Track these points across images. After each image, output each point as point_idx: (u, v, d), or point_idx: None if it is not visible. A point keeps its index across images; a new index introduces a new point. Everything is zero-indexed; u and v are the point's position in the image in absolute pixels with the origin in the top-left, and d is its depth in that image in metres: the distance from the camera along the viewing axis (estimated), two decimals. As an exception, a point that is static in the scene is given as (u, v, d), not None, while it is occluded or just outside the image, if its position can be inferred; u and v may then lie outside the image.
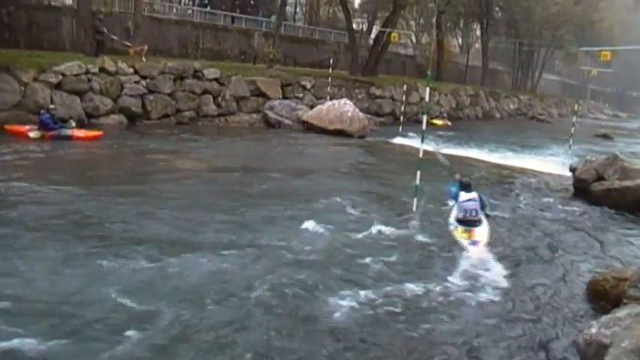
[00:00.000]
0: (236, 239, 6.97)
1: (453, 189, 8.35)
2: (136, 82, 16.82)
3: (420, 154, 8.96)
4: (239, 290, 5.51)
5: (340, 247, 7.06)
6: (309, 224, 7.73)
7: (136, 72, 16.99)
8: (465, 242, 7.36)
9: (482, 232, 7.65)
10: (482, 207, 8.07)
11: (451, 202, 8.39)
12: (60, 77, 14.93)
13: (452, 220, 8.00)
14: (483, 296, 5.92)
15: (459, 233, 7.64)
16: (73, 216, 7.36)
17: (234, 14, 30.97)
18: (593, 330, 4.47)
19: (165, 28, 25.34)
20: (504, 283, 6.30)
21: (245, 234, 7.19)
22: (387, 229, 7.83)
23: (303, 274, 6.00)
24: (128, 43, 20.03)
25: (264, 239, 7.07)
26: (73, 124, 13.60)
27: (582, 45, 34.86)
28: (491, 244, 7.35)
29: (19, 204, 7.63)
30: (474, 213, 7.85)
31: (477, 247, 7.24)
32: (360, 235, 7.54)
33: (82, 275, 5.55)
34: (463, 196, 8.02)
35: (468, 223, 7.78)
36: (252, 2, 36.22)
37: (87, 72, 15.63)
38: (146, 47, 19.36)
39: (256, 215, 8.11)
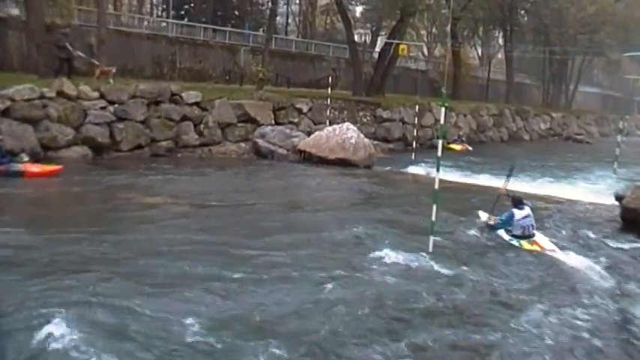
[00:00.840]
0: (240, 279, 7.16)
1: (502, 217, 9.75)
2: (102, 108, 16.79)
3: (436, 185, 8.89)
4: (264, 335, 5.67)
5: (363, 289, 7.11)
6: (319, 265, 7.94)
7: (101, 96, 16.96)
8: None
9: (544, 240, 9.36)
10: None
11: (501, 230, 9.79)
12: (8, 103, 14.79)
13: (507, 237, 9.53)
14: (532, 346, 5.94)
15: (527, 246, 9.15)
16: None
17: (216, 27, 31.43)
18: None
19: (135, 43, 25.70)
20: (553, 334, 6.25)
21: (247, 274, 7.37)
22: (410, 271, 7.95)
23: (337, 320, 6.16)
24: (96, 62, 20.05)
25: (272, 281, 7.22)
26: (26, 158, 13.50)
27: (626, 50, 34.69)
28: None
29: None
30: (531, 229, 9.43)
31: (557, 251, 8.96)
32: (379, 277, 7.61)
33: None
34: (518, 214, 9.46)
35: (525, 237, 9.32)
36: (236, 13, 36.66)
37: (42, 96, 15.55)
38: (114, 69, 19.48)
39: (260, 256, 8.22)
